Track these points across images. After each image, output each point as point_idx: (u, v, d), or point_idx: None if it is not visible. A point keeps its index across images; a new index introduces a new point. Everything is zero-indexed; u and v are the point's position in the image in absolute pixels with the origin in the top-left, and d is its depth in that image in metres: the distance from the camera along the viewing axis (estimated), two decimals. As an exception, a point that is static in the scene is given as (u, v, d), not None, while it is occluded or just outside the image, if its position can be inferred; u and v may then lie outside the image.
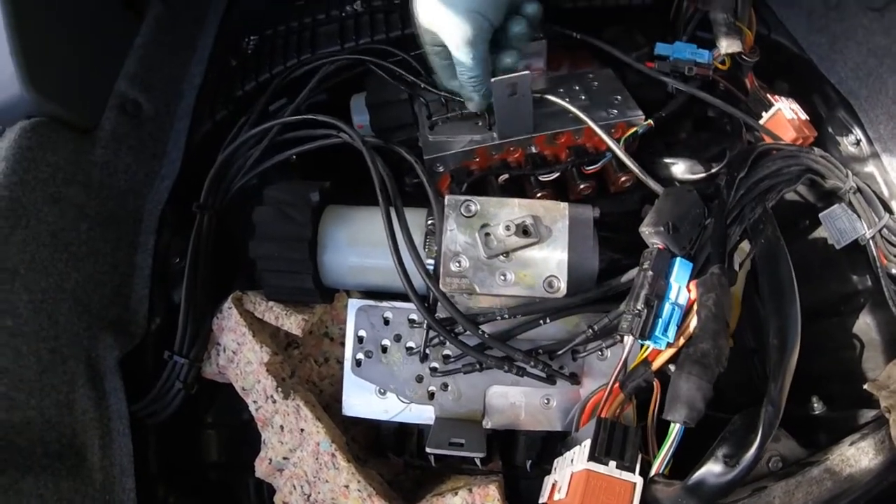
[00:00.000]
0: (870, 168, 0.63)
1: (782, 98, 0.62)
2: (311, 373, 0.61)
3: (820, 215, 0.61)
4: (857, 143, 0.64)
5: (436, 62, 0.54)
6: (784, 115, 0.59)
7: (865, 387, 0.50)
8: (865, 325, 0.62)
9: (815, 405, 0.58)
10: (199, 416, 0.64)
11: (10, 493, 0.44)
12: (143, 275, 0.62)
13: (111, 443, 0.53)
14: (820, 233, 0.64)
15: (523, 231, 0.45)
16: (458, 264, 0.45)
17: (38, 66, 0.57)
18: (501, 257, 0.45)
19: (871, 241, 0.57)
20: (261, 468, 0.57)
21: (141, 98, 0.69)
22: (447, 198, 0.47)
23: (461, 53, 0.49)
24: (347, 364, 0.51)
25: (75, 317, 0.55)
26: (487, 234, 0.45)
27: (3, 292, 0.50)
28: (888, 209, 0.59)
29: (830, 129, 0.66)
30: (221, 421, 0.65)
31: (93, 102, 0.64)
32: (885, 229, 0.57)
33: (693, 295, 0.42)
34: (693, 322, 0.42)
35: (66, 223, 0.57)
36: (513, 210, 0.46)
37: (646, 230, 0.43)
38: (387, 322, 0.51)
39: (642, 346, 0.44)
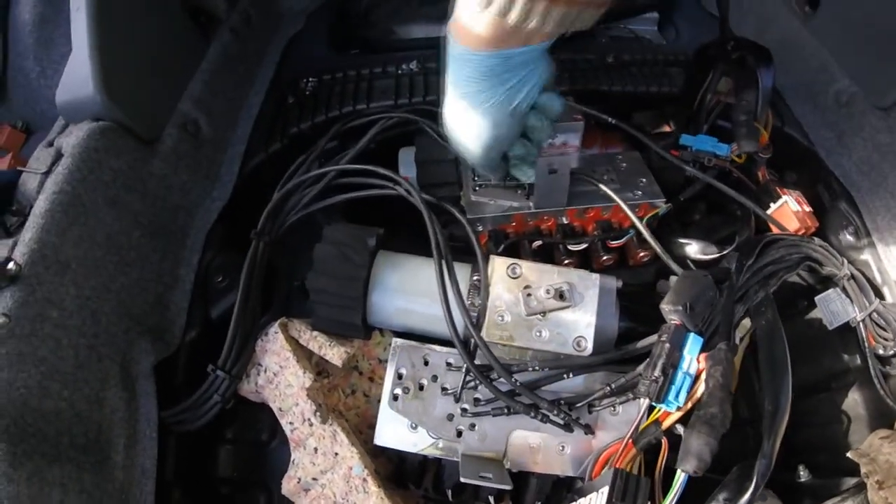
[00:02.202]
0: (865, 256, 0.68)
1: (790, 191, 0.67)
2: (338, 402, 0.64)
3: (816, 298, 0.65)
4: (856, 232, 0.69)
5: (497, 170, 0.61)
6: (790, 207, 0.65)
7: (848, 454, 0.54)
8: (853, 400, 0.66)
9: (802, 473, 0.62)
10: (219, 431, 0.66)
11: (34, 479, 0.45)
12: (184, 288, 0.65)
13: (136, 444, 0.54)
14: (816, 314, 0.69)
15: (560, 295, 0.51)
16: (501, 318, 0.51)
17: (112, 73, 0.60)
18: (539, 316, 0.51)
19: (861, 324, 0.62)
20: (288, 486, 0.60)
21: (201, 120, 0.72)
22: (496, 259, 0.53)
23: (484, 163, 0.56)
24: (385, 397, 0.56)
25: (116, 318, 0.56)
26: (529, 295, 0.51)
27: (54, 284, 0.51)
28: (879, 295, 0.64)
29: (832, 218, 0.71)
30: (240, 438, 0.67)
31: (157, 116, 0.67)
32: (874, 313, 0.62)
33: (702, 366, 0.48)
34: (700, 388, 0.47)
35: (120, 227, 0.59)
36: (552, 276, 0.52)
37: (666, 307, 0.49)
38: (426, 363, 0.56)
39: (654, 407, 0.49)
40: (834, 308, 0.65)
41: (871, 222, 0.68)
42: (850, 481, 0.57)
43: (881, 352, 0.62)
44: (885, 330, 0.62)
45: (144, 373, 0.57)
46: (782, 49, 0.81)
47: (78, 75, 0.59)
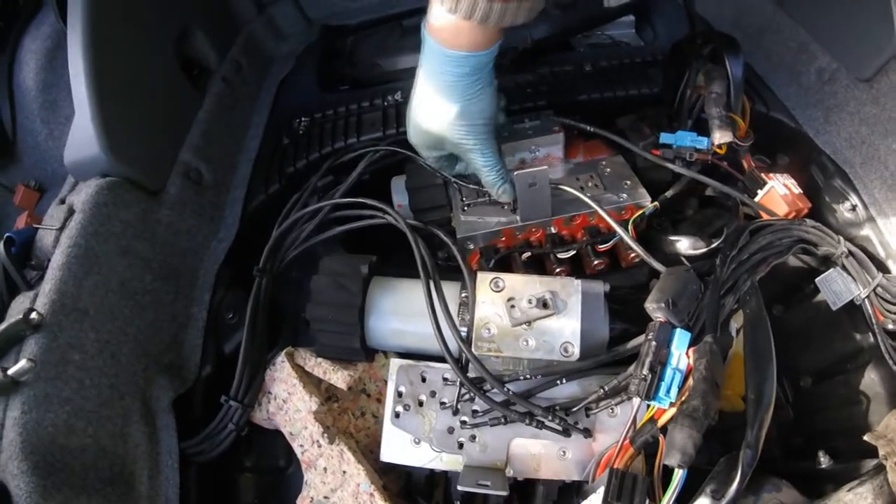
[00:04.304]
0: (866, 231, 0.67)
1: (777, 175, 0.67)
2: (348, 425, 0.66)
3: (816, 280, 0.64)
4: (853, 208, 0.68)
5: (438, 164, 0.66)
6: (777, 192, 0.65)
7: (865, 437, 0.53)
8: (870, 380, 0.65)
9: (822, 459, 0.61)
10: (238, 460, 0.69)
11: None
12: (197, 326, 0.68)
13: (159, 475, 0.57)
14: (822, 296, 0.67)
15: (543, 304, 0.52)
16: (488, 331, 0.53)
17: (114, 131, 0.64)
18: (524, 326, 0.52)
19: (866, 301, 0.61)
20: None
21: (202, 167, 0.76)
22: (480, 275, 0.55)
23: (477, 156, 0.59)
24: (387, 415, 0.58)
25: (135, 358, 0.59)
26: (513, 306, 0.53)
27: (74, 330, 0.55)
28: (883, 269, 0.63)
29: (827, 198, 0.70)
30: (258, 466, 0.70)
31: (160, 168, 0.71)
32: (879, 288, 0.61)
33: (691, 361, 0.48)
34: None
35: (133, 274, 0.62)
36: (534, 286, 0.53)
37: (649, 306, 0.49)
38: (424, 379, 0.58)
39: (649, 406, 0.50)
40: (836, 288, 0.64)
41: (867, 196, 0.67)
42: (871, 463, 0.55)
43: (890, 326, 0.61)
44: (892, 304, 0.61)
45: (164, 408, 0.60)
46: (761, 34, 0.82)
47: (82, 137, 0.64)
